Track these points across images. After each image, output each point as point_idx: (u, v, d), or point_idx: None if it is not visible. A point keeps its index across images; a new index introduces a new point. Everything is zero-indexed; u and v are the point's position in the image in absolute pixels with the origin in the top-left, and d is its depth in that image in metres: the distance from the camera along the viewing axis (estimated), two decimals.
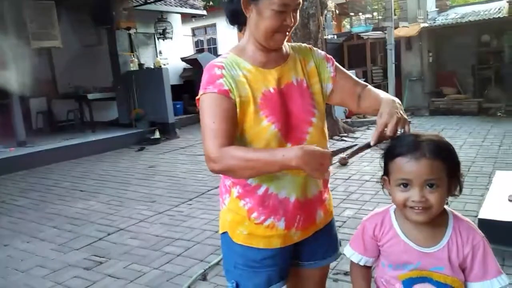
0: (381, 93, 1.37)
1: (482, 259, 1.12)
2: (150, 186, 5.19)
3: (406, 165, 1.10)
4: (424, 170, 1.08)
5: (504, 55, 8.61)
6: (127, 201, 4.61)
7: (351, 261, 1.31)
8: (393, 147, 1.16)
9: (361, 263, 1.27)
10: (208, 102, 1.25)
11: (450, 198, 1.17)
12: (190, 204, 4.32)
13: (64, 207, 4.55)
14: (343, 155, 1.21)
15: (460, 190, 1.18)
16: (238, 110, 1.25)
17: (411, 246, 1.17)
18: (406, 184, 1.11)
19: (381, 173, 1.22)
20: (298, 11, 1.28)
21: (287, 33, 1.28)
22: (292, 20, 1.26)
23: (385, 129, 1.16)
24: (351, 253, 1.29)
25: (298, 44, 1.45)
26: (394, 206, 1.23)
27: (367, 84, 1.49)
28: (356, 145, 1.24)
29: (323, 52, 1.46)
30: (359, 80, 1.48)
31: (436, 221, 1.15)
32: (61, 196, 5.00)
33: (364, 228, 1.26)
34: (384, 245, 1.22)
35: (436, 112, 8.93)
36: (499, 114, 8.05)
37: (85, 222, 4.01)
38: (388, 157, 1.17)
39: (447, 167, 1.11)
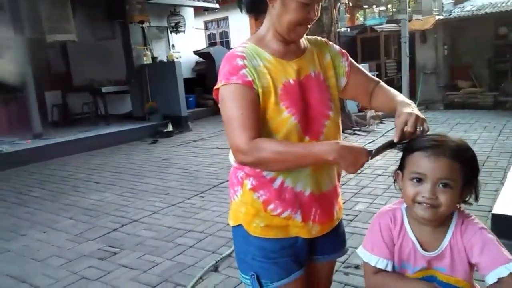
0: (393, 92, 1.38)
1: (484, 251, 1.10)
2: (163, 178, 5.25)
3: (424, 160, 1.10)
4: (440, 168, 1.08)
5: None
6: (141, 193, 4.67)
7: (368, 266, 1.23)
8: (415, 142, 1.15)
9: (389, 268, 1.20)
10: (233, 93, 1.23)
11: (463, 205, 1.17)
12: (203, 197, 4.37)
13: (80, 199, 4.63)
14: (374, 151, 1.19)
15: (476, 198, 1.17)
16: (260, 100, 1.25)
17: (417, 250, 1.17)
18: (419, 179, 1.11)
19: (393, 167, 1.22)
20: (320, 4, 1.28)
21: (309, 26, 1.28)
22: (316, 13, 1.26)
23: (406, 127, 1.15)
24: (375, 259, 1.21)
25: (314, 37, 1.45)
26: (405, 204, 1.22)
27: (379, 80, 1.49)
28: (390, 144, 1.21)
29: (338, 47, 1.46)
30: (373, 77, 1.49)
31: (442, 222, 1.15)
32: (76, 188, 5.09)
33: (381, 227, 1.22)
34: (396, 244, 1.21)
35: (451, 105, 8.82)
36: None
37: (100, 214, 4.08)
38: (408, 150, 1.16)
39: (464, 171, 1.10)
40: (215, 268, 2.77)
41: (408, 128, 1.14)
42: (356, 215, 3.49)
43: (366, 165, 4.13)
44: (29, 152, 6.73)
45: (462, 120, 7.40)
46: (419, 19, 8.91)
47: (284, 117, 1.25)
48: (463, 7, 9.56)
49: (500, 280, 1.06)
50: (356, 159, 1.14)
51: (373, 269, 1.22)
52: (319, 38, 1.46)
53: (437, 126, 7.08)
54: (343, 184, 4.34)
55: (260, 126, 1.24)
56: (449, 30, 9.29)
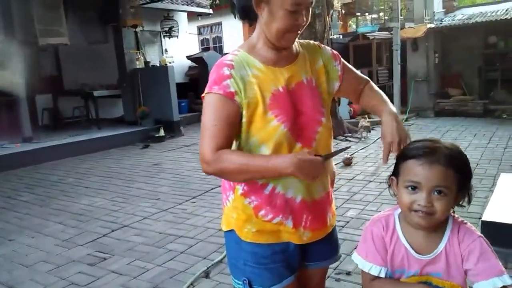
0: (380, 96, 1.44)
1: (481, 260, 1.11)
2: (154, 183, 5.22)
3: (418, 168, 1.11)
4: (435, 176, 1.09)
5: (510, 57, 8.55)
6: (131, 198, 4.64)
7: (364, 273, 1.24)
8: (409, 150, 1.16)
9: (382, 275, 1.20)
10: (211, 102, 1.26)
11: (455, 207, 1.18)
12: (194, 202, 4.34)
13: (69, 203, 4.58)
14: (325, 157, 1.25)
15: (469, 201, 1.18)
16: (245, 111, 1.25)
17: (411, 254, 1.18)
18: (414, 187, 1.12)
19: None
20: (310, 9, 1.27)
21: (299, 32, 1.28)
22: (304, 19, 1.25)
23: (391, 148, 1.24)
24: (368, 266, 1.22)
25: (307, 41, 1.44)
26: (398, 210, 1.23)
27: (368, 79, 1.53)
28: (347, 147, 1.37)
29: (330, 50, 1.46)
30: (362, 76, 1.52)
31: (437, 228, 1.16)
32: (66, 192, 5.04)
33: (374, 234, 1.23)
34: (389, 250, 1.21)
35: (441, 113, 8.90)
36: (504, 116, 8.01)
37: (90, 219, 4.04)
38: (402, 157, 1.17)
39: (458, 178, 1.11)
40: (206, 274, 2.75)
41: (393, 151, 1.24)
42: (348, 222, 3.49)
43: (358, 172, 4.16)
44: (19, 156, 6.65)
45: (452, 127, 7.48)
46: (411, 27, 9.01)
47: (273, 125, 1.25)
48: (454, 15, 9.70)
49: None
50: (313, 171, 1.18)
51: (370, 276, 1.23)
52: (312, 42, 1.46)
53: (428, 134, 7.14)
54: (335, 190, 4.32)
55: (232, 139, 1.27)
56: (440, 38, 9.40)
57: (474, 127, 7.34)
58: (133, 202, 4.48)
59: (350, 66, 1.48)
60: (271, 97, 1.26)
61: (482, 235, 1.16)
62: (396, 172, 1.19)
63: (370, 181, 4.57)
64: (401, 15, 8.71)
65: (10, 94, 7.30)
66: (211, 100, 1.26)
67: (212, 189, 4.72)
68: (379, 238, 1.22)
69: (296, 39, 1.34)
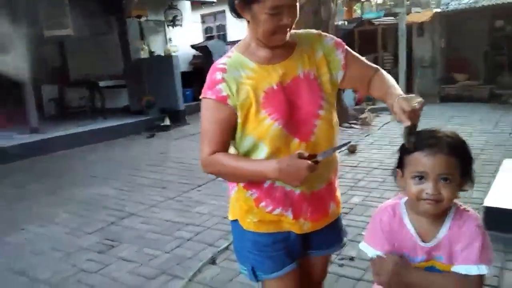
0: (389, 84, 1.36)
1: (468, 246, 1.16)
2: (160, 172, 5.29)
3: (423, 159, 1.15)
4: (439, 164, 1.13)
5: None
6: (138, 187, 4.71)
7: (372, 259, 1.28)
8: (412, 142, 1.18)
9: None
10: (205, 107, 1.32)
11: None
12: (200, 190, 4.40)
13: (77, 192, 4.66)
14: (321, 157, 1.25)
15: (472, 184, 1.22)
16: (239, 112, 1.28)
17: (417, 242, 1.22)
18: (421, 177, 1.16)
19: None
20: (295, 7, 1.25)
21: (288, 30, 1.27)
22: (290, 18, 1.24)
23: (404, 110, 1.15)
24: (371, 251, 1.27)
25: (306, 31, 1.41)
26: (404, 199, 1.27)
27: (378, 67, 1.46)
28: (347, 143, 1.36)
29: (333, 39, 1.42)
30: (370, 64, 1.47)
31: (439, 214, 1.20)
32: (73, 182, 5.12)
33: (382, 222, 1.27)
34: (397, 238, 1.25)
35: (447, 98, 8.85)
36: (511, 101, 7.95)
37: (98, 207, 4.12)
38: (405, 150, 1.20)
39: (461, 164, 1.16)
40: (213, 261, 2.81)
41: (406, 108, 1.14)
42: (352, 208, 3.53)
43: (362, 159, 4.19)
44: (26, 147, 6.74)
45: (457, 113, 7.44)
46: (418, 12, 8.92)
47: (267, 124, 1.27)
48: (460, 0, 9.57)
49: (467, 276, 1.14)
50: (296, 175, 1.19)
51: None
52: (312, 31, 1.43)
53: (433, 119, 7.10)
54: (339, 178, 4.35)
55: (228, 141, 1.33)
56: (446, 23, 9.30)
57: (479, 113, 7.31)
58: (140, 191, 4.55)
59: (356, 54, 1.45)
60: (264, 96, 1.28)
61: (481, 223, 1.20)
62: (401, 165, 1.23)
63: (374, 168, 4.60)
64: (407, 0, 8.61)
65: (17, 86, 7.36)
66: (206, 105, 1.32)
67: (217, 177, 4.77)
68: (387, 226, 1.26)
69: (294, 31, 1.34)
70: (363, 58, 1.47)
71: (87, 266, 2.90)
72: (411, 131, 1.17)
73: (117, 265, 2.89)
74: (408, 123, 1.15)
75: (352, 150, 5.35)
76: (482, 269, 1.14)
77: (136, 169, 5.54)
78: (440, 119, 7.05)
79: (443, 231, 1.20)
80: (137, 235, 3.38)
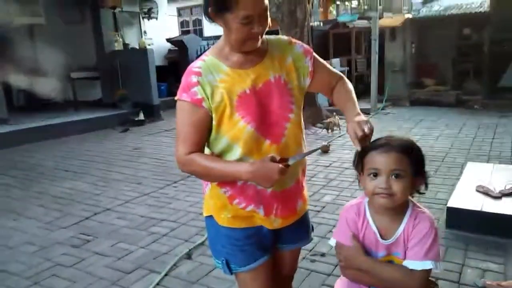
0: (349, 97, 1.51)
1: (418, 243, 1.29)
2: (135, 167, 5.27)
3: (377, 157, 1.28)
4: (391, 161, 1.26)
5: (483, 49, 8.85)
6: (113, 182, 4.69)
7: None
8: (369, 146, 1.32)
9: None
10: (181, 109, 1.37)
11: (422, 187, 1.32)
12: (175, 187, 4.43)
13: (50, 187, 4.60)
14: (292, 161, 1.35)
15: (426, 187, 1.35)
16: (214, 114, 1.35)
17: (378, 239, 1.35)
18: (375, 174, 1.28)
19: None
20: (266, 15, 1.31)
21: (260, 37, 1.34)
22: (261, 27, 1.30)
23: (356, 134, 1.30)
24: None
25: (277, 38, 1.49)
26: (367, 198, 1.38)
27: (341, 76, 1.59)
28: (316, 149, 1.42)
29: (302, 46, 1.50)
30: (335, 72, 1.58)
31: (398, 212, 1.33)
32: (45, 175, 5.04)
33: (347, 220, 1.39)
34: (360, 234, 1.37)
35: (416, 102, 9.16)
36: (475, 106, 8.32)
37: (72, 202, 4.09)
38: (363, 153, 1.33)
39: (412, 163, 1.28)
40: (189, 256, 2.87)
41: (358, 133, 1.30)
42: (324, 207, 3.66)
43: (334, 159, 4.34)
44: None
45: (426, 117, 7.74)
46: (389, 17, 9.18)
47: (240, 126, 1.35)
48: (431, 6, 9.91)
49: (412, 270, 1.28)
50: (268, 178, 1.27)
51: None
52: (283, 38, 1.51)
53: (403, 123, 7.38)
54: (312, 177, 4.51)
55: (203, 142, 1.39)
56: (417, 28, 9.61)
57: (446, 117, 7.62)
58: (115, 186, 4.54)
59: (323, 62, 1.55)
60: (237, 100, 1.35)
61: (434, 224, 1.33)
62: (361, 168, 1.35)
63: (346, 168, 4.75)
64: (380, 5, 8.85)
65: None
66: (180, 107, 1.37)
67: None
68: (353, 223, 1.38)
69: (265, 37, 1.41)
70: (328, 65, 1.58)
71: (62, 260, 2.90)
72: (362, 151, 1.33)
73: (92, 259, 2.91)
74: (358, 148, 1.31)
75: (325, 150, 5.50)
76: (428, 265, 1.27)
77: (110, 164, 5.51)
78: (409, 123, 7.33)
79: (400, 229, 1.33)
80: (112, 230, 3.40)
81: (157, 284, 2.54)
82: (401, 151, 1.27)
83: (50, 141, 6.97)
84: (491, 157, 4.88)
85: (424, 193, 1.36)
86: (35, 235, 3.34)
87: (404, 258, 1.32)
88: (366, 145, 1.32)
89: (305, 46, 1.52)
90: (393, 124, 7.33)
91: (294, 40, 1.52)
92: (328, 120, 6.48)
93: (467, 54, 9.23)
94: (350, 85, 1.58)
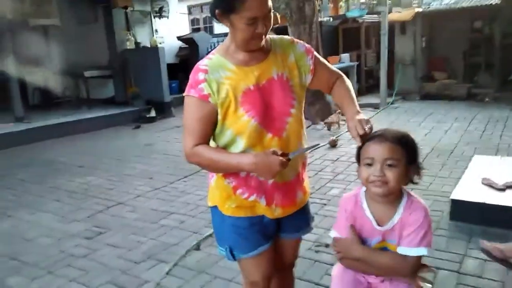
0: (348, 94, 1.60)
1: (413, 231, 1.35)
2: (147, 163, 5.40)
3: (372, 147, 1.35)
4: (384, 150, 1.33)
5: (494, 42, 8.76)
6: (125, 177, 4.82)
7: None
8: (366, 140, 1.40)
9: None
10: (189, 104, 1.46)
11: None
12: (185, 181, 4.54)
13: (64, 182, 4.75)
14: (292, 156, 1.44)
15: (419, 177, 1.41)
16: (219, 109, 1.44)
17: (374, 226, 1.42)
18: (370, 163, 1.35)
19: None
20: (270, 16, 1.40)
21: (263, 37, 1.43)
22: (265, 27, 1.39)
23: (357, 131, 1.40)
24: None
25: (280, 37, 1.59)
26: (364, 188, 1.45)
27: (341, 74, 1.68)
28: (315, 145, 1.51)
29: (304, 45, 1.60)
30: (334, 70, 1.68)
31: (393, 202, 1.40)
32: (60, 171, 5.20)
33: (346, 210, 1.47)
34: (358, 223, 1.45)
35: (427, 96, 9.11)
36: (486, 100, 8.25)
37: (85, 196, 4.23)
38: (361, 147, 1.40)
39: (405, 153, 1.35)
40: (197, 247, 2.97)
41: (360, 132, 1.39)
42: (330, 200, 3.72)
43: (342, 153, 4.41)
44: (11, 136, 6.76)
45: (436, 110, 7.70)
46: (398, 11, 9.14)
47: (244, 120, 1.44)
48: (441, 0, 9.82)
49: (406, 257, 1.35)
50: (269, 169, 1.36)
51: None
52: (286, 38, 1.60)
53: (412, 116, 7.37)
54: (320, 171, 4.57)
55: (209, 135, 1.47)
56: (427, 22, 9.54)
57: (456, 110, 7.58)
58: (127, 181, 4.67)
59: (323, 60, 1.64)
60: (242, 95, 1.44)
61: (428, 213, 1.39)
62: (358, 160, 1.42)
63: (353, 162, 4.76)
64: (389, 0, 8.81)
65: (1, 75, 7.34)
66: (188, 102, 1.46)
67: (202, 169, 4.90)
68: (350, 213, 1.46)
69: (269, 37, 1.50)
70: (328, 64, 1.67)
71: (76, 251, 3.02)
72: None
73: (105, 250, 3.03)
74: (359, 144, 1.40)
75: (333, 145, 5.55)
76: (422, 251, 1.34)
77: (122, 159, 5.64)
78: (419, 116, 7.31)
79: (396, 217, 1.39)
80: (124, 223, 3.52)
81: (167, 273, 2.64)
82: (394, 141, 1.34)
83: (64, 138, 7.14)
84: (500, 150, 4.87)
85: (417, 183, 1.42)
86: (50, 228, 3.47)
87: (399, 245, 1.38)
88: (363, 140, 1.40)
89: (307, 45, 1.61)
90: (402, 118, 7.32)
91: (296, 39, 1.61)
92: (330, 119, 6.47)
93: (478, 47, 9.13)
94: (349, 83, 1.67)
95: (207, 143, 1.49)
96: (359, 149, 1.42)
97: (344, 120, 6.63)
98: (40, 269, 2.80)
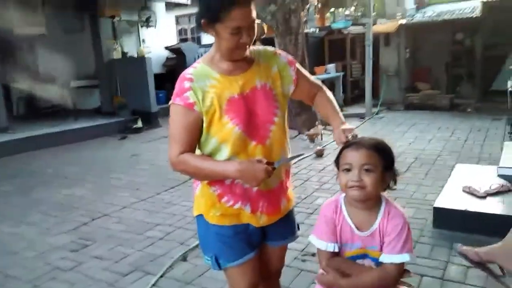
0: (331, 105, 1.68)
1: (394, 239, 1.39)
2: (133, 174, 5.37)
3: (349, 153, 1.41)
4: (361, 156, 1.38)
5: (475, 54, 8.98)
6: (111, 188, 4.79)
7: (320, 250, 1.50)
8: (343, 147, 1.45)
9: (331, 250, 1.47)
10: (174, 112, 1.49)
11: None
12: (172, 192, 4.53)
13: (49, 193, 4.70)
14: (277, 164, 1.48)
15: (395, 183, 1.46)
16: (204, 117, 1.47)
17: (354, 231, 1.45)
18: (348, 169, 1.39)
19: None
20: (254, 27, 1.44)
21: (247, 47, 1.48)
22: (249, 37, 1.43)
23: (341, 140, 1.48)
24: (322, 244, 1.48)
25: (264, 48, 1.64)
26: (343, 195, 1.49)
27: (321, 85, 1.75)
28: (300, 155, 1.56)
29: (286, 57, 1.65)
30: (315, 82, 1.74)
31: (372, 208, 1.44)
32: (45, 183, 5.14)
33: (326, 216, 1.49)
34: (336, 228, 1.47)
35: (411, 106, 9.27)
36: (468, 110, 8.43)
37: (70, 208, 4.18)
38: (339, 155, 1.45)
39: (382, 159, 1.40)
40: (184, 258, 2.97)
41: (342, 140, 1.47)
42: (316, 209, 3.75)
43: (328, 162, 4.45)
44: None
45: (419, 120, 7.84)
46: (383, 23, 9.32)
47: (229, 128, 1.47)
48: (424, 12, 10.05)
49: (389, 265, 1.39)
50: (254, 176, 1.39)
51: (324, 253, 1.48)
52: (269, 49, 1.65)
53: (396, 126, 7.49)
54: (306, 180, 4.61)
55: (194, 143, 1.50)
56: (411, 34, 9.74)
57: (439, 120, 7.73)
58: (113, 192, 4.64)
59: (305, 72, 1.70)
60: (227, 103, 1.48)
61: (406, 219, 1.43)
62: (338, 166, 1.46)
63: None
64: (373, 11, 8.99)
65: None
66: (174, 110, 1.49)
67: (189, 179, 4.89)
68: (330, 220, 1.48)
69: (252, 48, 1.55)
70: (309, 75, 1.73)
71: (61, 264, 2.99)
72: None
73: (91, 263, 3.00)
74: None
75: (320, 154, 5.60)
76: (405, 257, 1.38)
77: (108, 170, 5.61)
78: (403, 126, 7.43)
79: (376, 224, 1.43)
80: (110, 234, 3.49)
81: (153, 285, 2.63)
82: (370, 148, 1.39)
83: (49, 149, 7.07)
84: (481, 159, 4.99)
85: (394, 189, 1.46)
86: (35, 241, 3.43)
87: (381, 251, 1.42)
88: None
89: (289, 57, 1.66)
90: (387, 127, 7.44)
91: (279, 51, 1.67)
92: (312, 131, 6.50)
93: (460, 58, 9.36)
94: (330, 94, 1.74)
95: (193, 151, 1.51)
96: (338, 155, 1.46)
97: (328, 130, 6.64)
98: (25, 282, 2.76)
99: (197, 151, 1.56)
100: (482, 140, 5.98)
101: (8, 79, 8.20)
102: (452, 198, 3.21)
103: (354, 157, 1.38)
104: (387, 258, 1.39)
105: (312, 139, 6.42)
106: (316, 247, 1.51)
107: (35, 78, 9.67)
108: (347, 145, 1.44)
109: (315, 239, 1.50)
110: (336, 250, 1.47)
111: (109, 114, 9.02)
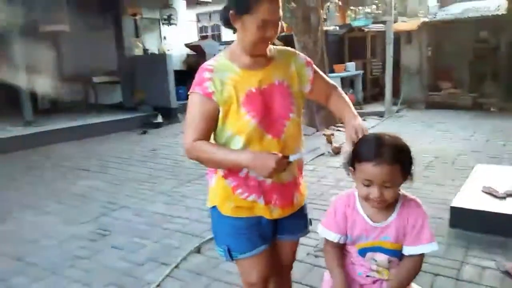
0: (344, 103, 1.69)
1: (416, 231, 1.41)
2: (151, 167, 5.47)
3: (370, 169, 1.35)
4: (383, 174, 1.34)
5: (500, 52, 8.76)
6: (130, 181, 4.88)
7: (326, 240, 1.54)
8: (360, 151, 1.41)
9: (336, 241, 1.50)
10: (193, 101, 1.52)
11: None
12: (189, 186, 4.59)
13: (69, 185, 4.82)
14: (292, 158, 1.50)
15: (412, 179, 1.44)
16: (221, 107, 1.50)
17: (368, 223, 1.46)
18: (368, 185, 1.37)
19: None
20: (278, 23, 1.49)
21: (269, 42, 1.52)
22: (273, 33, 1.48)
23: (353, 137, 1.50)
24: (326, 232, 1.52)
25: (284, 48, 1.68)
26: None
27: (335, 85, 1.77)
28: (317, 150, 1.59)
29: (305, 58, 1.69)
30: (330, 82, 1.77)
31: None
32: (66, 174, 5.28)
33: (336, 209, 1.51)
34: (349, 222, 1.49)
35: (432, 105, 9.12)
36: (492, 109, 8.25)
37: (90, 199, 4.29)
38: (356, 157, 1.42)
39: (402, 168, 1.38)
40: (198, 250, 3.01)
41: (354, 138, 1.49)
42: None
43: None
44: (20, 139, 6.89)
45: (441, 120, 7.71)
46: (404, 21, 9.19)
47: (245, 120, 1.50)
48: (447, 10, 9.86)
49: (416, 256, 1.42)
50: (265, 165, 1.40)
51: (330, 242, 1.52)
52: (288, 49, 1.70)
53: (417, 125, 7.39)
54: (322, 178, 4.61)
55: (209, 131, 1.53)
56: (433, 32, 9.57)
57: (461, 120, 7.58)
58: (132, 185, 4.73)
59: (321, 72, 1.73)
60: (244, 96, 1.51)
61: (425, 211, 1.45)
62: (353, 165, 1.44)
63: None
64: (394, 9, 8.87)
65: (11, 79, 7.48)
66: (193, 99, 1.53)
67: (206, 174, 4.95)
68: (341, 212, 1.50)
69: (273, 47, 1.59)
70: (325, 76, 1.76)
71: (80, 253, 3.08)
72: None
73: (108, 252, 3.08)
74: (348, 148, 1.48)
75: (336, 152, 5.58)
76: (434, 245, 1.41)
77: (128, 164, 5.72)
78: (424, 125, 7.32)
79: (393, 216, 1.44)
80: (127, 226, 3.57)
81: (167, 275, 2.68)
82: (392, 162, 1.34)
83: (72, 142, 7.25)
84: (503, 160, 4.88)
85: (411, 181, 1.44)
86: (55, 230, 3.54)
87: (397, 242, 1.43)
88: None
89: (307, 58, 1.71)
90: (407, 126, 7.34)
91: (298, 52, 1.71)
92: (328, 132, 6.44)
93: (484, 57, 9.12)
94: (343, 93, 1.76)
95: (208, 139, 1.54)
96: (354, 151, 1.44)
97: (342, 128, 6.50)
98: (44, 269, 2.85)
99: (212, 142, 1.59)
100: (505, 140, 5.84)
101: (33, 76, 8.43)
102: (470, 198, 3.15)
103: (375, 174, 1.34)
104: (419, 249, 1.41)
105: (329, 140, 6.37)
106: (322, 236, 1.54)
107: (59, 74, 9.92)
108: (367, 151, 1.38)
109: (322, 228, 1.53)
110: (342, 242, 1.50)
111: (131, 109, 9.18)
